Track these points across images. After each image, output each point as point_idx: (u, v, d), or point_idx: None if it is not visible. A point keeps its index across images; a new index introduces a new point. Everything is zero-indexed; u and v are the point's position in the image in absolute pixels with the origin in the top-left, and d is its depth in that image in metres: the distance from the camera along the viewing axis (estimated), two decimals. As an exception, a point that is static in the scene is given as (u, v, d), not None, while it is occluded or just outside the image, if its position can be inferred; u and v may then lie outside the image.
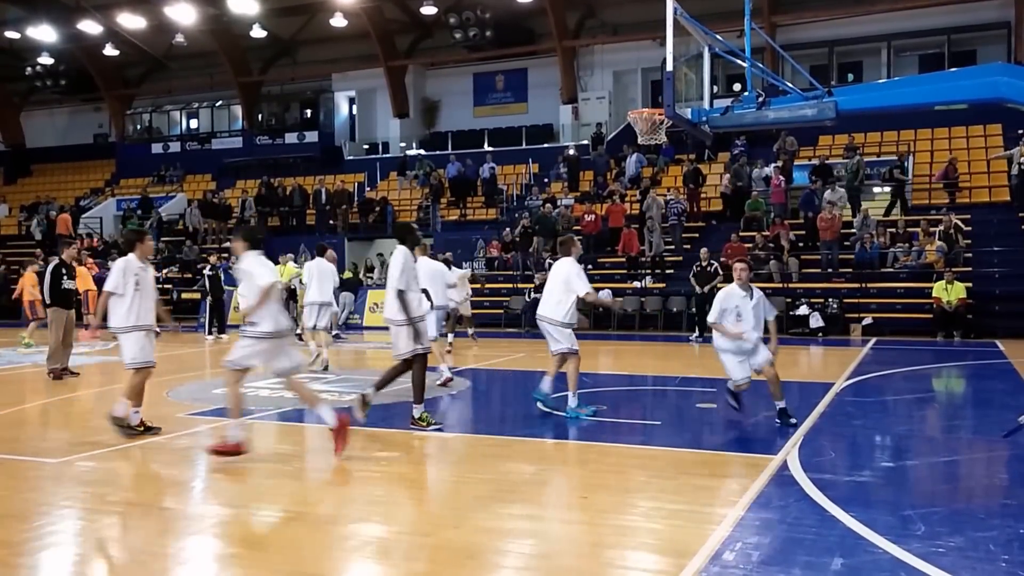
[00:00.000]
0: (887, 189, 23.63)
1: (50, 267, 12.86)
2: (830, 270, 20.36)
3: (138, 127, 38.41)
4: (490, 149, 30.39)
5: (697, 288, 18.09)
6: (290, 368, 7.17)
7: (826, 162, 23.28)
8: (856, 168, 22.16)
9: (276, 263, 18.79)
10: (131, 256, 8.05)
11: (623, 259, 22.32)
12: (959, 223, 19.71)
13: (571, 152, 27.64)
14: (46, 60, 35.87)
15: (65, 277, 12.56)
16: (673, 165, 26.60)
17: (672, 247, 22.27)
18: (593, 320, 20.25)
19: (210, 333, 19.52)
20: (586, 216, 23.07)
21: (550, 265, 10.87)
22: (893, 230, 20.68)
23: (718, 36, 9.04)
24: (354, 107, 35.07)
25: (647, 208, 22.44)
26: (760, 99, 8.67)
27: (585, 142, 28.66)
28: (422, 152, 31.82)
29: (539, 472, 6.93)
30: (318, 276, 13.00)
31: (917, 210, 22.16)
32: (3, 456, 7.29)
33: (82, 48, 34.82)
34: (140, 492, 6.09)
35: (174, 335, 21.09)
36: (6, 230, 34.46)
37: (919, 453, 7.64)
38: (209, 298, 20.28)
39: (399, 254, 8.35)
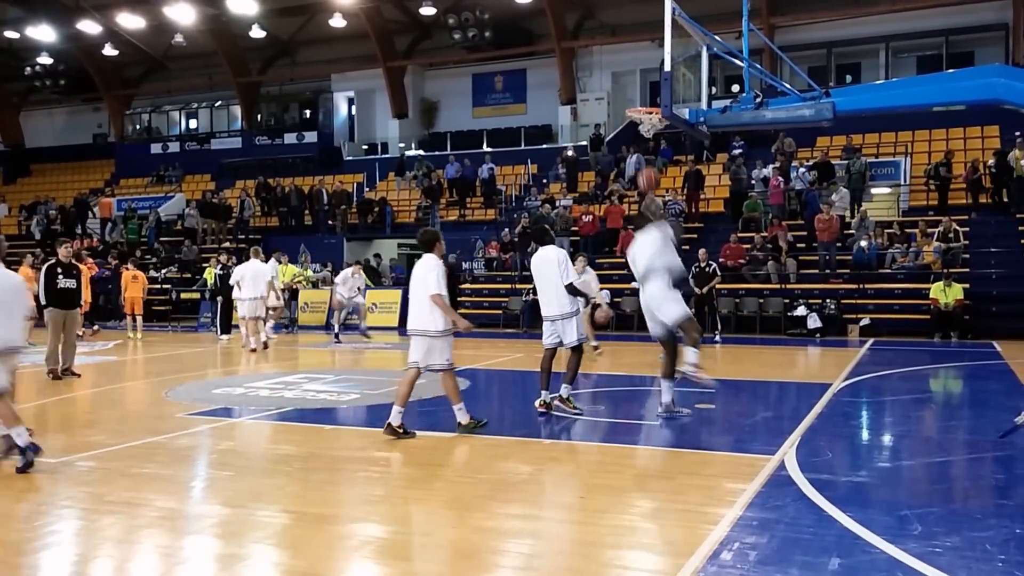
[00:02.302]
0: (887, 191, 23.65)
1: (45, 267, 12.30)
2: (828, 271, 20.39)
3: (137, 127, 38.43)
4: (489, 150, 30.42)
5: (696, 289, 18.09)
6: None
7: (826, 160, 23.26)
8: (861, 169, 22.17)
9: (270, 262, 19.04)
10: (434, 256, 7.79)
11: (621, 259, 22.33)
12: (956, 225, 19.76)
13: (570, 153, 27.66)
14: (45, 60, 35.93)
15: (61, 276, 12.06)
16: (672, 166, 26.63)
17: (670, 247, 22.29)
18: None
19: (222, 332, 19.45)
20: (584, 217, 23.09)
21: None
22: (891, 231, 20.71)
23: (716, 37, 9.05)
24: (353, 107, 35.09)
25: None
26: (758, 100, 8.68)
27: (584, 143, 28.68)
28: (421, 152, 31.82)
29: (537, 472, 6.94)
30: (342, 280, 18.51)
31: (916, 211, 22.20)
32: (3, 456, 7.29)
33: (81, 48, 34.84)
34: (140, 492, 6.10)
35: (176, 335, 21.09)
36: (5, 230, 34.41)
37: (916, 453, 7.66)
38: (220, 298, 20.10)
39: (555, 252, 8.86)
